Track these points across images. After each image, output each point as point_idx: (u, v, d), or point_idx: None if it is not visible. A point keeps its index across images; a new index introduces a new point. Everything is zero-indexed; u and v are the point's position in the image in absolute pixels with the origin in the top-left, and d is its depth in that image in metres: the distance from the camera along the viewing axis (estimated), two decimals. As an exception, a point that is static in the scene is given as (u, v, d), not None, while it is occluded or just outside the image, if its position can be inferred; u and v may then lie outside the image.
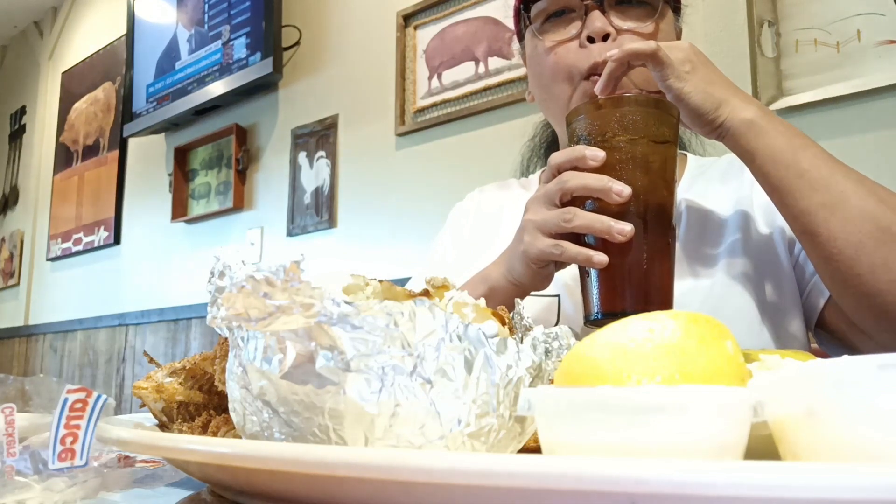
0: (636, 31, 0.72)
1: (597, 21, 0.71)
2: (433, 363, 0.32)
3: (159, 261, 2.88)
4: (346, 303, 0.32)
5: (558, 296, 0.74)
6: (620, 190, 0.54)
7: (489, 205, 0.93)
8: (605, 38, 0.72)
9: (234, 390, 0.36)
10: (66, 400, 0.37)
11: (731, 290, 0.71)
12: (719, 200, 0.78)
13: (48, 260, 3.52)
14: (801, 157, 0.60)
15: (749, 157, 0.62)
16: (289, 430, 0.33)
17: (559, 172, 0.59)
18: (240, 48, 2.50)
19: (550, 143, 0.96)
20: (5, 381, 0.52)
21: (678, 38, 0.80)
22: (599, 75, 0.71)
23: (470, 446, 0.33)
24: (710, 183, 0.81)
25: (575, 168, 0.58)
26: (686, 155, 0.88)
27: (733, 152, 0.64)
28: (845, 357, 0.25)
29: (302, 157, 2.38)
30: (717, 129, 0.62)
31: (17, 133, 4.06)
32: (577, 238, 0.57)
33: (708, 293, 0.72)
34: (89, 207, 3.31)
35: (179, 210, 2.80)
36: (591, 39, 0.72)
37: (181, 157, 2.84)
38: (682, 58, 0.61)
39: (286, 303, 0.32)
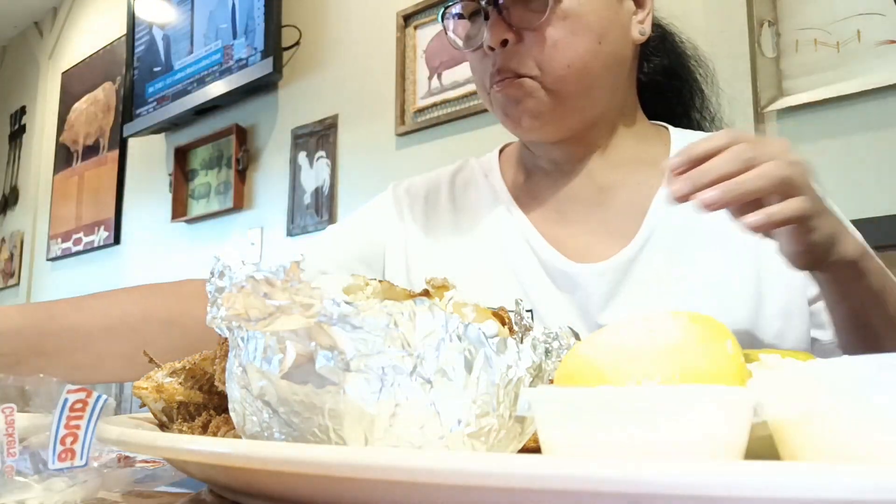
0: (539, 29, 0.67)
1: (492, 29, 0.68)
2: (433, 363, 0.32)
3: (159, 261, 2.88)
4: (346, 303, 0.32)
5: (531, 311, 0.71)
6: None
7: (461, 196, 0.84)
8: (504, 43, 0.68)
9: (234, 390, 0.36)
10: (66, 400, 0.37)
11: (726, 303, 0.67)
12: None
13: (48, 260, 3.51)
14: (888, 300, 0.57)
15: (839, 296, 0.57)
16: (289, 430, 0.33)
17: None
18: (240, 48, 2.49)
19: None
20: (5, 381, 0.52)
21: (639, 5, 0.73)
22: (501, 81, 0.69)
23: (470, 446, 0.33)
24: None
25: None
26: (666, 128, 0.79)
27: (817, 283, 0.57)
28: (845, 357, 0.25)
29: (302, 157, 2.38)
30: (816, 267, 0.55)
31: (17, 133, 4.06)
32: None
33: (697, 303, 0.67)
34: (89, 207, 3.30)
35: (179, 210, 2.80)
36: (490, 48, 0.69)
37: (181, 157, 2.84)
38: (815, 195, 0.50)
39: (286, 303, 0.32)
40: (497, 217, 0.79)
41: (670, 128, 0.79)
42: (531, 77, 0.68)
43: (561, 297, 0.72)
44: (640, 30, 0.73)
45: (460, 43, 0.75)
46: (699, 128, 0.84)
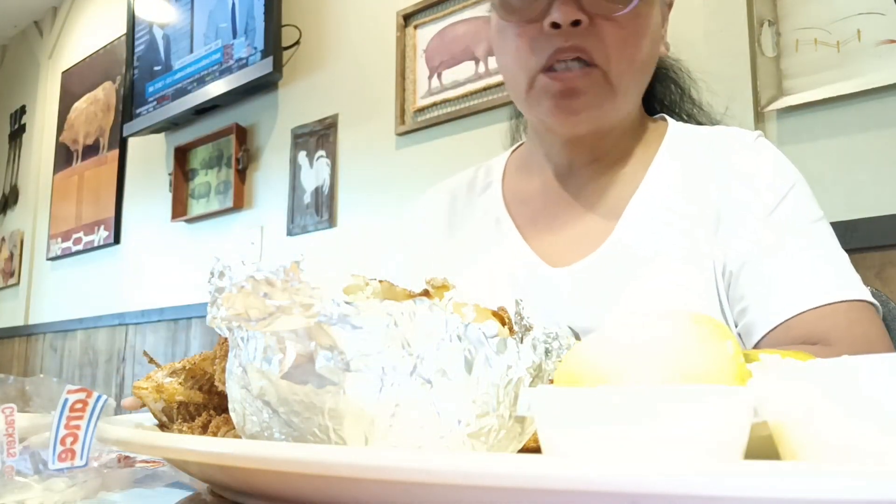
0: (614, 18, 0.65)
1: (563, 6, 0.63)
2: (433, 363, 0.32)
3: (159, 260, 2.88)
4: (346, 303, 0.32)
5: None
6: None
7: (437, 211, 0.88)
8: (576, 23, 0.64)
9: (234, 390, 0.36)
10: (66, 400, 0.37)
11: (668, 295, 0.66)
12: (692, 193, 0.71)
13: (48, 259, 3.51)
14: None
15: None
16: (289, 430, 0.33)
17: None
18: (240, 48, 2.49)
19: None
20: (5, 381, 0.52)
21: (664, 18, 0.74)
22: (558, 66, 0.65)
23: (470, 446, 0.33)
24: (685, 173, 0.73)
25: None
26: (666, 120, 0.80)
27: None
28: (845, 357, 0.25)
29: (302, 156, 2.37)
30: None
31: (17, 133, 4.06)
32: None
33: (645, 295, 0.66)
34: (89, 207, 3.30)
35: (179, 209, 2.80)
36: (555, 25, 0.64)
37: (181, 156, 2.84)
38: None
39: (286, 303, 0.32)
40: (487, 222, 0.81)
41: (670, 123, 0.79)
42: (599, 67, 0.67)
43: (535, 300, 0.72)
44: (665, 44, 0.75)
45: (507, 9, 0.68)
46: (694, 120, 0.85)
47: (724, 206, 0.69)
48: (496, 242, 0.78)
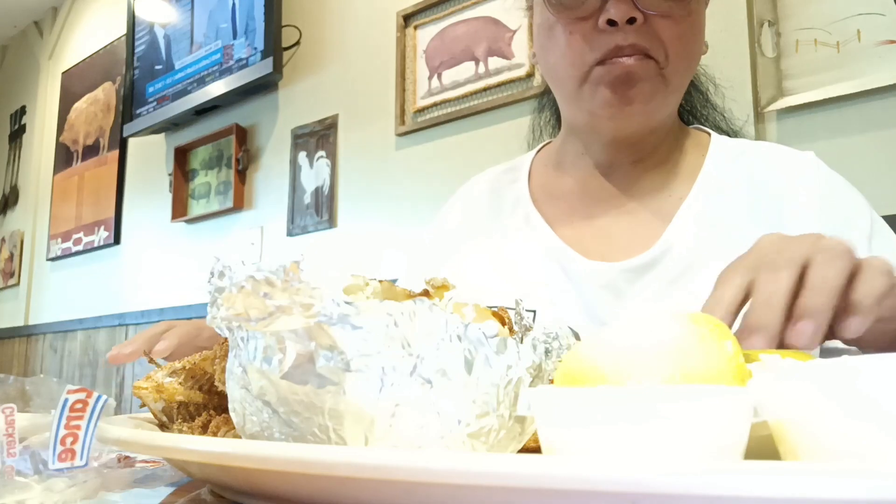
0: (668, 16, 0.66)
1: (619, 4, 0.64)
2: (433, 363, 0.32)
3: (159, 261, 2.88)
4: (346, 303, 0.32)
5: (534, 311, 0.72)
6: None
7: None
8: (631, 21, 0.65)
9: (234, 390, 0.36)
10: (66, 400, 0.37)
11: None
12: (741, 210, 0.71)
13: (48, 260, 3.51)
14: None
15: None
16: (289, 430, 0.33)
17: None
18: (240, 48, 2.49)
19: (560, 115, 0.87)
20: (5, 381, 0.52)
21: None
22: (619, 58, 0.65)
23: (470, 446, 0.33)
24: (737, 186, 0.73)
25: None
26: (709, 134, 0.80)
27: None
28: (845, 357, 0.25)
29: (302, 156, 2.37)
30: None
31: (17, 133, 4.06)
32: None
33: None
34: (89, 207, 3.30)
35: (179, 210, 2.80)
36: (612, 22, 0.65)
37: (181, 157, 2.84)
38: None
39: (286, 303, 0.32)
40: (516, 216, 0.81)
41: (713, 134, 0.79)
42: (655, 61, 0.67)
43: (570, 291, 0.73)
44: (704, 43, 0.75)
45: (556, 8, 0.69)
46: (712, 123, 0.85)
47: (805, 227, 0.68)
48: (526, 236, 0.78)
